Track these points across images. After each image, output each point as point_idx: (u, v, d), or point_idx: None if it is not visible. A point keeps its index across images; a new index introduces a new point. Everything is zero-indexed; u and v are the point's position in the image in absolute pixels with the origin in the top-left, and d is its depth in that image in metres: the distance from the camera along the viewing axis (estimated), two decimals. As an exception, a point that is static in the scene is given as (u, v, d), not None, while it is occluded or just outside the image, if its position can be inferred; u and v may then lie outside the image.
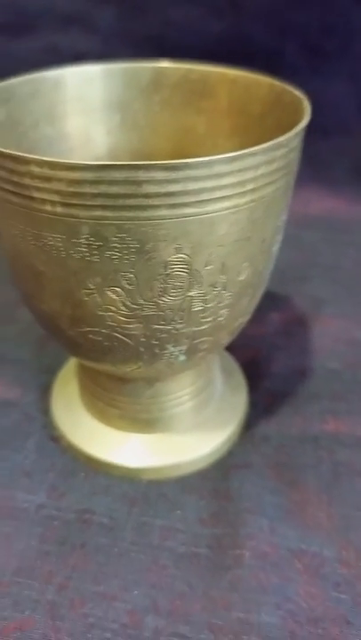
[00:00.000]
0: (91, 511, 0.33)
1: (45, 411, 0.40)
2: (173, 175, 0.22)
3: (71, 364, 0.42)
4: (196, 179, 0.22)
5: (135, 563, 0.31)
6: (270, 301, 0.49)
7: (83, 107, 0.35)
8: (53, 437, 0.38)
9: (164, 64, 0.36)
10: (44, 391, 0.41)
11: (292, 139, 0.24)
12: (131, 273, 0.24)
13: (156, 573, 0.30)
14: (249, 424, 0.39)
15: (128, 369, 0.30)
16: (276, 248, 0.29)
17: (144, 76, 0.36)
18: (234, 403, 0.39)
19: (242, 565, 0.30)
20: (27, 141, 0.32)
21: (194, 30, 0.58)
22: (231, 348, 0.43)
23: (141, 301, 0.26)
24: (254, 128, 0.33)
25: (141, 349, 0.28)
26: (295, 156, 0.26)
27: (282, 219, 0.28)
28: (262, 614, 0.28)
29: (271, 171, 0.24)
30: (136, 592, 0.29)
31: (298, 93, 0.29)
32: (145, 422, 0.36)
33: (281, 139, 0.23)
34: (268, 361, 0.43)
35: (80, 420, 0.38)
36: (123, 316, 0.26)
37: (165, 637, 0.27)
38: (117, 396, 0.35)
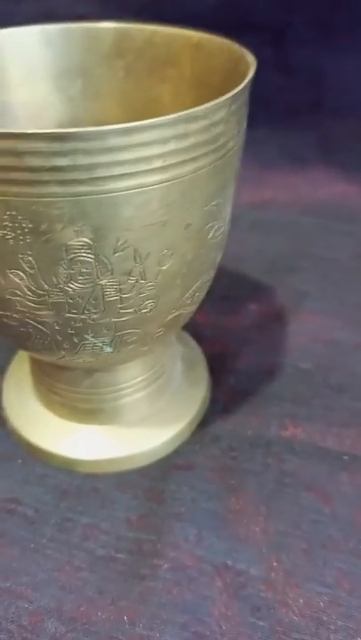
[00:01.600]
0: (17, 501, 0.32)
1: (-4, 391, 0.38)
2: (59, 147, 0.19)
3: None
4: (86, 152, 0.19)
5: (49, 561, 0.29)
6: (250, 292, 0.46)
7: (39, 71, 0.33)
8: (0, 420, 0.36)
9: (128, 25, 0.33)
10: (1, 371, 0.40)
11: (212, 110, 0.21)
12: (29, 256, 0.22)
13: (68, 575, 0.28)
14: (205, 421, 0.36)
15: (53, 357, 0.28)
16: (212, 235, 0.26)
17: (106, 38, 0.33)
18: (190, 398, 0.37)
19: (157, 577, 0.28)
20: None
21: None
22: (199, 339, 0.41)
23: (47, 287, 0.23)
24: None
25: (59, 338, 0.26)
26: (227, 131, 0.23)
27: (215, 202, 0.25)
28: (166, 634, 0.26)
29: (186, 147, 0.21)
30: (43, 592, 0.28)
31: (250, 59, 0.26)
32: (86, 412, 0.34)
33: (195, 110, 0.20)
34: (236, 356, 0.40)
35: (27, 404, 0.36)
36: (30, 301, 0.24)
37: (58, 646, 0.26)
38: (57, 383, 0.33)
